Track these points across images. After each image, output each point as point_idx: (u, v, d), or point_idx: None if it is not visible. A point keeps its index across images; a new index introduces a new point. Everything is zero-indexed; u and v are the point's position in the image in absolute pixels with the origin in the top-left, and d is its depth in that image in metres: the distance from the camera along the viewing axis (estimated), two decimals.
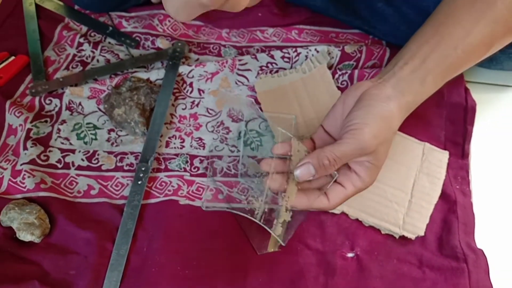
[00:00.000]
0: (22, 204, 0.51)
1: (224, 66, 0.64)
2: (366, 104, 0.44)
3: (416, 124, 0.57)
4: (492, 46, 0.48)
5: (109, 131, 0.60)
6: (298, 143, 0.47)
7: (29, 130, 0.58)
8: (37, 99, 0.62)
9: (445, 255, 0.50)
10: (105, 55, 0.67)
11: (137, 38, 0.69)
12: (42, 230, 0.50)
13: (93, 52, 0.67)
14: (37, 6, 0.72)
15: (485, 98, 0.64)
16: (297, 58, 0.66)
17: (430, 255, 0.50)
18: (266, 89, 0.62)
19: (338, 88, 0.61)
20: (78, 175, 0.56)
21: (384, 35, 0.68)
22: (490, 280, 0.48)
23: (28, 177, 0.54)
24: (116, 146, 0.58)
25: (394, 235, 0.51)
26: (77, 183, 0.55)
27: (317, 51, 0.65)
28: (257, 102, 0.61)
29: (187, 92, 0.63)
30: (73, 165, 0.56)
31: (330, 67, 0.64)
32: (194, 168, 0.57)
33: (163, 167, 0.57)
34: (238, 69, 0.65)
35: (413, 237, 0.51)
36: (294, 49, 0.66)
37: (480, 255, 0.50)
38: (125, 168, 0.56)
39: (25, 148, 0.56)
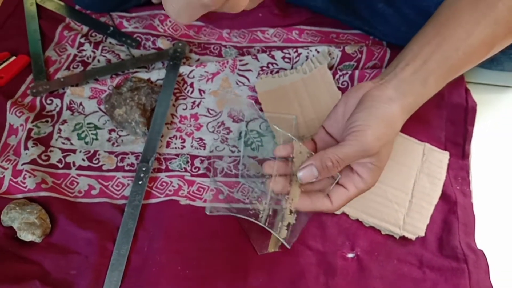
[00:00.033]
0: (23, 204, 0.51)
1: (225, 67, 0.64)
2: (368, 106, 0.44)
3: (417, 124, 0.57)
4: (493, 47, 0.48)
5: (110, 131, 0.60)
6: (299, 144, 0.47)
7: (30, 130, 0.58)
8: (38, 99, 0.62)
9: (445, 255, 0.50)
10: (106, 55, 0.67)
11: (138, 38, 0.69)
12: (43, 230, 0.50)
13: (94, 52, 0.67)
14: (38, 6, 0.72)
15: (485, 98, 0.64)
16: (297, 58, 0.66)
17: (430, 255, 0.50)
18: (266, 89, 0.62)
19: (339, 88, 0.62)
20: (79, 175, 0.56)
21: (384, 36, 0.68)
22: (490, 280, 0.48)
23: (29, 177, 0.54)
24: (117, 146, 0.58)
25: (395, 235, 0.51)
26: (78, 183, 0.55)
27: (318, 52, 0.65)
28: (258, 103, 0.61)
29: (187, 92, 0.63)
30: (74, 165, 0.56)
31: (330, 68, 0.64)
32: (195, 168, 0.57)
33: (163, 167, 0.57)
34: (239, 70, 0.65)
35: (413, 237, 0.51)
36: (294, 50, 0.66)
37: (480, 255, 0.50)
38: (126, 168, 0.56)
39: (26, 148, 0.57)
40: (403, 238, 0.51)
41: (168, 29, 0.70)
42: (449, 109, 0.61)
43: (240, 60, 0.65)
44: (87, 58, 0.67)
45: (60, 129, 0.59)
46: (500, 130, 0.62)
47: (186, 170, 0.56)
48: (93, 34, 0.70)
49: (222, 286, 0.48)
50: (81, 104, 0.61)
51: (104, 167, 0.56)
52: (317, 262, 0.49)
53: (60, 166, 0.56)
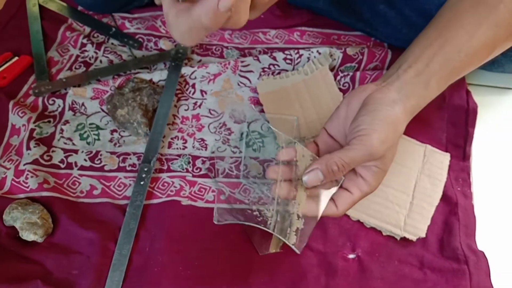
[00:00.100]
0: (25, 204, 0.51)
1: (227, 68, 0.65)
2: (372, 109, 0.44)
3: (418, 126, 0.57)
4: (494, 49, 0.48)
5: (112, 131, 0.60)
6: (302, 148, 0.47)
7: (32, 130, 0.59)
8: (40, 99, 0.62)
9: (446, 256, 0.50)
10: (108, 56, 0.67)
11: (140, 39, 0.69)
12: (45, 230, 0.50)
13: (96, 53, 0.67)
14: (40, 7, 0.72)
15: (486, 100, 0.64)
16: (299, 60, 0.66)
17: (431, 256, 0.50)
18: (268, 90, 0.62)
19: (340, 90, 0.62)
20: (81, 175, 0.56)
21: (386, 37, 0.68)
22: (491, 282, 0.48)
23: (31, 177, 0.54)
24: (119, 146, 0.59)
25: (395, 236, 0.51)
26: (79, 183, 0.55)
27: (319, 53, 0.65)
28: (259, 104, 0.61)
29: (189, 93, 0.64)
30: (76, 165, 0.57)
31: (332, 69, 0.65)
32: (196, 169, 0.57)
33: (165, 167, 0.57)
34: (241, 71, 0.65)
35: (414, 238, 0.51)
36: (296, 51, 0.66)
37: (481, 257, 0.50)
38: (128, 168, 0.57)
39: (28, 148, 0.57)
40: (404, 239, 0.51)
41: None
42: (450, 110, 0.61)
43: (242, 61, 0.65)
44: (89, 59, 0.67)
45: (62, 130, 0.59)
46: (501, 131, 0.62)
47: (187, 171, 0.57)
48: (95, 35, 0.70)
49: (223, 287, 0.48)
50: (83, 104, 0.61)
51: (106, 168, 0.57)
52: (318, 262, 0.50)
53: (62, 166, 0.56)
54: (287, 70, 0.65)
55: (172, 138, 0.59)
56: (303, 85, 0.63)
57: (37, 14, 0.71)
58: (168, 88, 0.62)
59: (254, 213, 0.48)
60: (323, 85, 0.62)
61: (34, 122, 0.59)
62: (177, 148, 0.59)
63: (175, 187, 0.55)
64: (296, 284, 0.48)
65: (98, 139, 0.59)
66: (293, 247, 0.45)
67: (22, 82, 0.64)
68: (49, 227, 0.51)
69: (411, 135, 0.57)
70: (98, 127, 0.60)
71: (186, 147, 0.59)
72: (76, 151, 0.58)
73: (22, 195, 0.53)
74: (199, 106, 0.62)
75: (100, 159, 0.57)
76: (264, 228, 0.46)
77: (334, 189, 0.45)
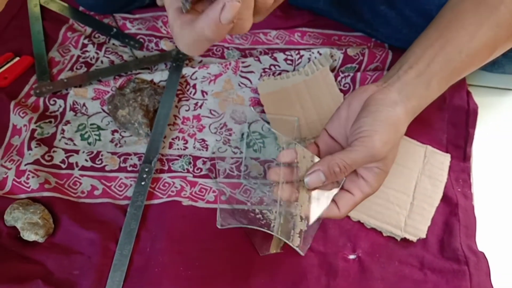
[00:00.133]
0: (26, 204, 0.52)
1: (227, 68, 0.65)
2: (373, 110, 0.44)
3: (418, 127, 0.57)
4: (495, 50, 0.48)
5: (113, 132, 0.60)
6: (303, 149, 0.47)
7: (33, 130, 0.59)
8: (41, 99, 0.62)
9: (446, 257, 0.50)
10: (109, 57, 0.67)
11: (141, 39, 0.69)
12: (46, 230, 0.50)
13: (97, 53, 0.68)
14: (41, 7, 0.72)
15: (487, 101, 0.64)
16: (300, 60, 0.66)
17: (431, 257, 0.50)
18: (269, 91, 0.62)
19: (341, 90, 0.62)
20: (82, 175, 0.56)
21: (386, 38, 0.68)
22: (491, 282, 0.48)
23: (32, 177, 0.54)
24: (120, 147, 0.59)
25: (396, 237, 0.51)
26: (80, 183, 0.55)
27: (320, 54, 0.65)
28: (260, 104, 0.61)
29: (190, 93, 0.64)
30: (77, 166, 0.57)
31: (332, 70, 0.65)
32: (197, 169, 0.57)
33: (166, 168, 0.57)
34: (241, 71, 0.65)
35: (414, 239, 0.51)
36: (297, 52, 0.66)
37: (481, 257, 0.50)
38: (129, 169, 0.57)
39: (29, 148, 0.57)
40: (404, 240, 0.51)
41: (171, 31, 0.70)
42: (451, 111, 0.61)
43: (243, 62, 0.65)
44: (91, 59, 0.67)
45: (63, 130, 0.59)
46: (501, 132, 0.62)
47: (188, 171, 0.57)
48: (96, 36, 0.70)
49: (223, 287, 0.48)
50: (84, 105, 0.62)
51: (107, 168, 0.57)
52: (318, 263, 0.50)
53: (63, 166, 0.57)
54: (287, 71, 0.65)
55: (173, 139, 0.60)
56: (304, 85, 0.63)
57: (38, 15, 0.71)
58: (169, 89, 0.63)
59: (257, 216, 0.48)
60: (324, 85, 0.62)
61: (35, 123, 0.60)
62: (178, 149, 0.59)
63: (176, 187, 0.55)
64: (297, 285, 0.48)
65: (99, 140, 0.59)
66: (297, 249, 0.45)
67: (23, 82, 0.64)
68: (50, 227, 0.51)
69: (411, 136, 0.57)
70: (99, 128, 0.60)
71: (187, 148, 0.59)
72: (77, 152, 0.58)
73: (23, 195, 0.54)
74: (200, 107, 0.63)
75: (101, 159, 0.57)
76: (268, 231, 0.46)
77: (335, 190, 0.46)
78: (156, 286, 0.48)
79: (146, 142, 0.59)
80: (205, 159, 0.58)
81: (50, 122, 0.60)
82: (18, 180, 0.54)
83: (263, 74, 0.65)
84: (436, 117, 0.61)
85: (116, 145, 0.59)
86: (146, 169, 0.56)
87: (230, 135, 0.60)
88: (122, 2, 0.71)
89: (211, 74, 0.64)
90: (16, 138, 0.59)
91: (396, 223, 0.52)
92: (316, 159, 0.46)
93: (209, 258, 0.50)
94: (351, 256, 0.50)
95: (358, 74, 0.63)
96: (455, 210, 0.53)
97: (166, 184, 0.56)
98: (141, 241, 0.51)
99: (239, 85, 0.64)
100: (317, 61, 0.64)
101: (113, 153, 0.58)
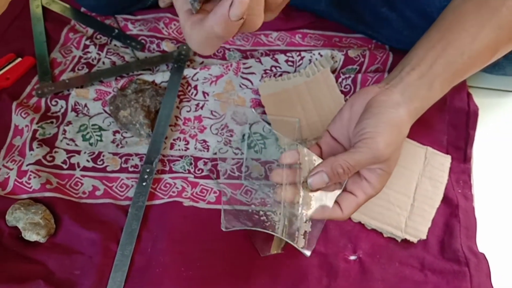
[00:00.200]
0: (27, 204, 0.52)
1: (229, 69, 0.65)
2: (376, 112, 0.44)
3: (419, 128, 0.57)
4: (497, 52, 0.48)
5: (114, 132, 0.60)
6: (305, 150, 0.47)
7: (35, 131, 0.59)
8: (43, 100, 0.62)
9: (447, 258, 0.50)
10: (110, 58, 0.67)
11: (143, 41, 0.70)
12: (47, 230, 0.50)
13: (99, 54, 0.68)
14: (44, 8, 0.73)
15: (487, 103, 0.64)
16: (301, 62, 0.66)
17: (432, 258, 0.50)
18: (270, 92, 0.62)
19: (341, 92, 0.62)
20: (83, 176, 0.56)
21: (387, 40, 0.68)
22: (491, 284, 0.48)
23: (34, 177, 0.54)
24: (121, 147, 0.59)
25: (396, 238, 0.51)
26: (82, 184, 0.55)
27: (321, 55, 0.66)
28: (261, 105, 0.62)
29: (191, 94, 0.64)
30: (79, 166, 0.57)
31: (333, 71, 0.65)
32: (198, 170, 0.57)
33: (167, 168, 0.57)
34: (243, 73, 0.65)
35: (415, 240, 0.51)
36: (298, 53, 0.66)
37: (481, 259, 0.50)
38: (130, 169, 0.57)
39: (31, 148, 0.57)
40: (405, 241, 0.51)
41: (172, 32, 0.70)
42: (451, 113, 0.61)
43: (244, 63, 0.65)
44: (92, 60, 0.67)
45: (65, 130, 0.60)
46: (502, 134, 0.62)
47: (189, 172, 0.57)
48: (98, 37, 0.71)
49: (224, 287, 0.48)
50: (86, 105, 0.62)
51: (108, 168, 0.57)
52: (319, 264, 0.50)
53: (65, 167, 0.57)
54: (289, 72, 0.65)
55: (174, 140, 0.60)
56: (305, 87, 0.63)
57: (40, 16, 0.71)
58: (171, 90, 0.63)
59: (262, 218, 0.48)
60: (325, 87, 0.62)
61: (37, 123, 0.60)
62: (179, 149, 0.59)
63: (177, 188, 0.55)
64: (297, 285, 0.48)
65: (101, 140, 0.59)
66: (302, 250, 0.45)
67: (25, 83, 0.65)
68: (51, 227, 0.51)
69: (412, 137, 0.57)
70: (100, 128, 0.60)
71: (188, 149, 0.59)
72: (78, 152, 0.58)
73: (24, 196, 0.54)
74: (201, 108, 0.63)
75: (102, 160, 0.57)
76: (273, 233, 0.46)
77: (338, 191, 0.46)
78: (157, 287, 0.48)
79: (147, 143, 0.59)
80: (206, 160, 0.58)
81: (52, 122, 0.60)
82: (20, 180, 0.55)
83: (264, 75, 0.65)
84: (437, 119, 0.61)
85: (117, 145, 0.59)
86: (148, 170, 0.56)
87: (231, 136, 0.60)
88: (124, 3, 0.71)
89: (212, 75, 0.65)
90: (18, 138, 0.59)
91: (397, 224, 0.52)
92: (319, 160, 0.46)
93: (210, 258, 0.50)
94: (352, 257, 0.50)
95: (359, 76, 0.63)
96: (455, 211, 0.53)
97: (167, 185, 0.56)
98: (142, 242, 0.51)
99: (240, 86, 0.64)
100: (318, 63, 0.65)
101: (114, 154, 0.58)
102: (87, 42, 0.69)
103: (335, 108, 0.49)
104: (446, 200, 0.54)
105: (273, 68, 0.66)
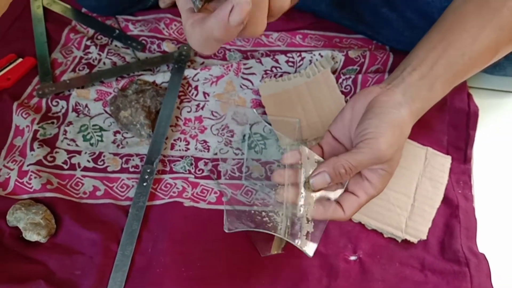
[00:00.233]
0: (28, 205, 0.52)
1: (229, 70, 0.65)
2: (378, 112, 0.44)
3: (419, 129, 0.57)
4: (498, 53, 0.48)
5: (115, 133, 0.60)
6: (307, 150, 0.47)
7: (36, 131, 0.59)
8: (44, 100, 0.62)
9: (447, 259, 0.50)
10: (111, 58, 0.68)
11: (143, 41, 0.70)
12: (48, 230, 0.50)
13: (99, 54, 0.68)
14: (44, 9, 0.73)
15: (487, 103, 0.64)
16: (301, 62, 0.66)
17: (432, 259, 0.50)
18: (270, 92, 0.62)
19: (342, 92, 0.62)
20: (84, 176, 0.56)
21: (387, 40, 0.68)
22: (491, 284, 0.48)
23: (35, 177, 0.55)
24: (122, 148, 0.59)
25: (397, 238, 0.51)
26: (83, 184, 0.55)
27: (321, 56, 0.66)
28: (262, 106, 0.62)
29: (192, 95, 0.64)
30: (79, 166, 0.57)
31: (334, 72, 0.65)
32: (199, 171, 0.57)
33: (168, 169, 0.57)
34: (243, 73, 0.65)
35: (415, 240, 0.51)
36: (298, 54, 0.66)
37: (482, 259, 0.50)
38: (131, 169, 0.57)
39: (31, 149, 0.57)
40: (405, 241, 0.51)
41: (173, 33, 0.71)
42: (452, 113, 0.61)
43: (244, 64, 0.65)
44: (93, 61, 0.67)
45: (65, 131, 0.60)
46: (502, 134, 0.62)
47: (190, 172, 0.57)
48: (99, 37, 0.71)
49: (225, 287, 0.49)
50: (86, 106, 0.62)
51: (109, 169, 0.57)
52: (319, 264, 0.50)
53: (65, 167, 0.57)
54: (289, 73, 0.65)
55: (174, 140, 0.60)
56: (305, 87, 0.63)
57: (41, 16, 0.71)
58: (171, 90, 0.63)
59: (264, 218, 0.48)
60: (325, 87, 0.62)
61: (38, 123, 0.60)
62: (180, 150, 0.59)
63: (177, 188, 0.55)
64: (298, 285, 0.48)
65: (101, 141, 0.59)
66: (305, 251, 0.45)
67: (26, 83, 0.65)
68: (52, 227, 0.51)
69: (412, 137, 0.57)
70: (101, 129, 0.60)
71: (188, 149, 0.59)
72: (79, 152, 0.58)
73: (25, 196, 0.54)
74: (202, 108, 0.63)
75: (103, 160, 0.58)
76: (275, 234, 0.46)
77: (339, 191, 0.46)
78: (157, 287, 0.48)
79: (148, 143, 0.59)
80: (206, 160, 0.58)
81: (53, 123, 0.61)
82: (21, 180, 0.55)
83: (264, 76, 0.65)
84: (437, 119, 0.61)
85: (118, 146, 0.59)
86: (148, 170, 0.56)
87: (232, 136, 0.60)
88: (125, 4, 0.71)
89: (213, 76, 0.65)
90: (19, 138, 0.59)
91: (397, 225, 0.52)
92: (320, 160, 0.46)
93: (210, 258, 0.50)
94: (352, 257, 0.50)
95: (359, 76, 0.63)
96: (455, 212, 0.53)
97: (167, 185, 0.56)
98: (143, 242, 0.51)
99: (241, 86, 0.64)
100: (319, 63, 0.65)
101: (115, 154, 0.58)
102: (88, 43, 0.69)
103: (336, 108, 0.49)
104: (446, 200, 0.54)
105: (273, 69, 0.66)
